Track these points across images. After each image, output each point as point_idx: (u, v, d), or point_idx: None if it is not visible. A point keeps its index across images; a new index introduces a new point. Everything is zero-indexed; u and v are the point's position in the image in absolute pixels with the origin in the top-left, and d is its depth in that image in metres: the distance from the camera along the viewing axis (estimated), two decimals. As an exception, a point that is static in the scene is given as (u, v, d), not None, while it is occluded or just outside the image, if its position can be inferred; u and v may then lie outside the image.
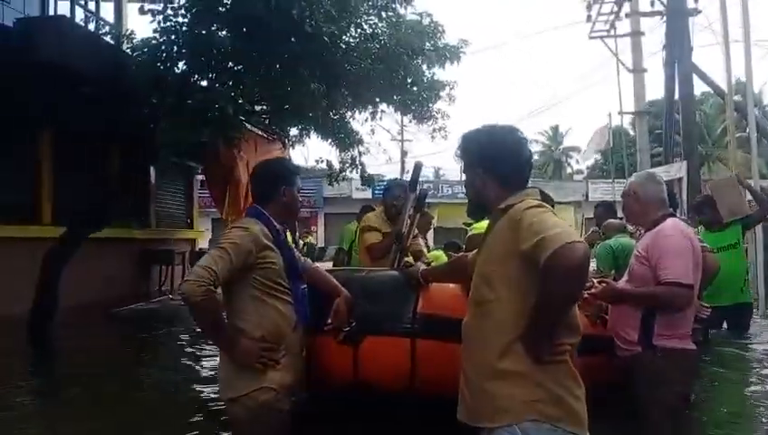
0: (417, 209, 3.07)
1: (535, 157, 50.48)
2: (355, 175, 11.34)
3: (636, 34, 12.80)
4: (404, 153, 26.71)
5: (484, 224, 5.70)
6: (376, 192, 27.87)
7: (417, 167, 3.05)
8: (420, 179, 5.09)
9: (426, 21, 7.84)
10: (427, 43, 7.64)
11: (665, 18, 13.03)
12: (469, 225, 5.16)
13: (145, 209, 11.09)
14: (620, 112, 14.44)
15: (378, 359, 2.77)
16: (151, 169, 11.08)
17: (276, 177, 2.75)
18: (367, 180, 11.41)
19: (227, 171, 9.34)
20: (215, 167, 9.49)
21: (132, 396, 4.48)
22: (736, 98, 12.08)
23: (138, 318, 8.51)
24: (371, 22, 7.74)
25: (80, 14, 10.55)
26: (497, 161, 2.19)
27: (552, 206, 5.60)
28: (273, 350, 2.53)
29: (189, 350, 6.12)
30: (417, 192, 3.03)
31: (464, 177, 2.35)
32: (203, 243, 15.50)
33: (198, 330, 5.52)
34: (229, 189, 9.90)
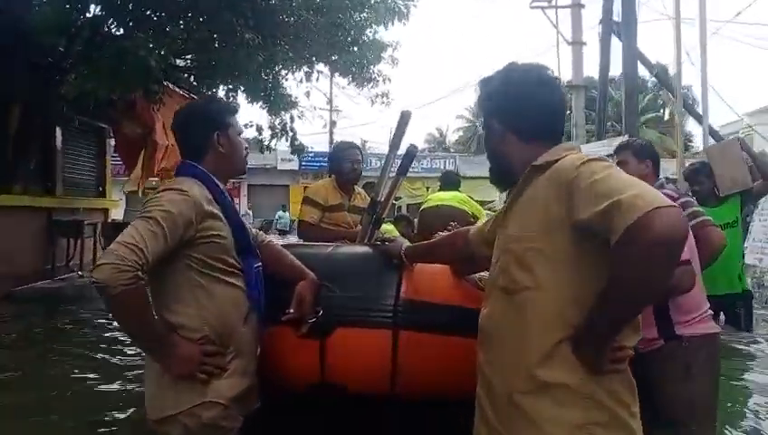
0: (402, 171, 2.46)
1: (459, 133, 51.42)
2: (282, 144, 10.66)
3: (576, 6, 12.61)
4: (333, 122, 25.84)
5: (442, 195, 5.17)
6: (303, 163, 27.21)
7: (405, 116, 2.39)
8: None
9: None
10: (373, -5, 6.98)
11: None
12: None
13: (50, 174, 9.89)
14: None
15: (351, 355, 2.19)
16: (57, 129, 9.92)
17: (205, 120, 2.08)
18: (297, 148, 10.76)
19: (144, 132, 8.42)
20: (129, 126, 8.54)
21: (31, 405, 3.69)
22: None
23: (39, 298, 7.53)
24: None
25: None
26: (514, 109, 1.69)
27: (458, 185, 5.00)
28: (220, 353, 1.92)
29: (102, 342, 5.31)
30: (404, 150, 2.39)
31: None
32: (116, 214, 14.33)
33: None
34: (144, 153, 8.97)
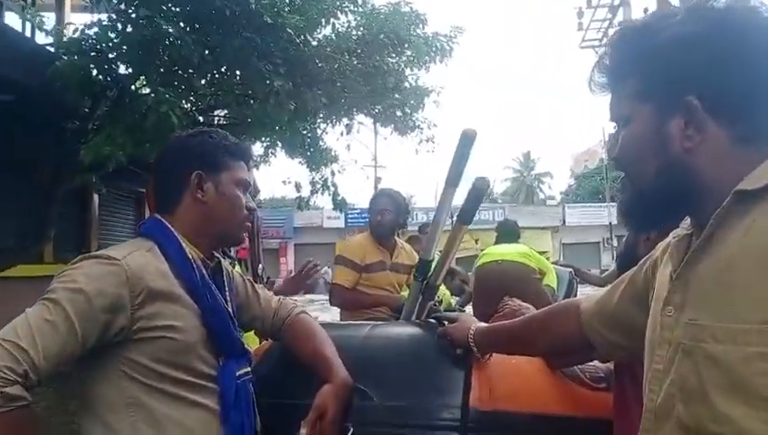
0: (465, 218, 1.70)
1: (507, 183, 50.36)
2: (326, 201, 10.25)
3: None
4: (378, 178, 25.36)
5: (502, 249, 4.41)
6: (349, 220, 26.76)
7: (468, 137, 1.61)
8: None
9: (405, 9, 6.72)
10: (413, 31, 6.47)
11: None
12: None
13: (85, 241, 9.63)
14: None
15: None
16: (93, 194, 9.69)
17: (183, 154, 1.44)
18: (339, 204, 10.30)
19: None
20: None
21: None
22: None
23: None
24: (341, 19, 6.61)
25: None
26: (726, 82, 0.87)
27: (518, 236, 4.30)
28: None
29: None
30: (470, 185, 1.62)
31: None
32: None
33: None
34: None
